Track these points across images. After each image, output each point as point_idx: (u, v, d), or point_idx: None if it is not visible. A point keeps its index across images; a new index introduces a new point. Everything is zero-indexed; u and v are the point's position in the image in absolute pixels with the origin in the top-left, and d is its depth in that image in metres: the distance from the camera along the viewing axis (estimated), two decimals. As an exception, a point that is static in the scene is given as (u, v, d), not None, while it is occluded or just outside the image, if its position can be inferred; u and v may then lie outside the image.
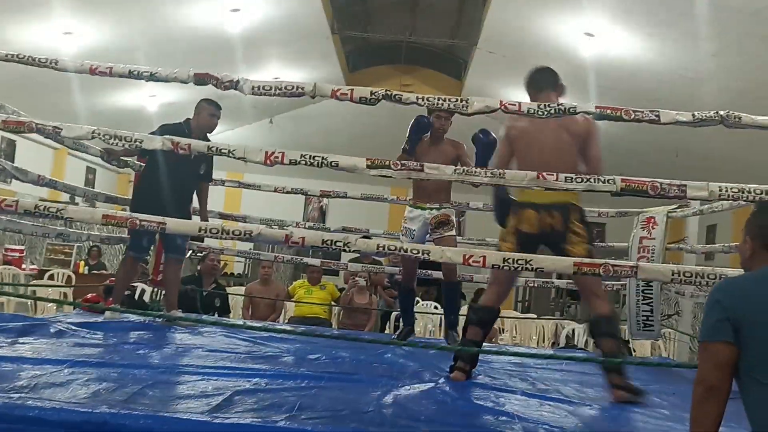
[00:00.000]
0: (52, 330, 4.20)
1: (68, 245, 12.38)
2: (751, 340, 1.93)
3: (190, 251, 6.56)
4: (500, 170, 3.41)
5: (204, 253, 6.91)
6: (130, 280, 5.37)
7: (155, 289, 6.31)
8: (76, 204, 10.05)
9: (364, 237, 5.38)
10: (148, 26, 9.93)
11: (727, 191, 3.14)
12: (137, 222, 3.36)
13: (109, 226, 4.63)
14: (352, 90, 3.45)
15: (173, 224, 3.44)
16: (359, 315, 7.17)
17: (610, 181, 3.21)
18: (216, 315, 6.75)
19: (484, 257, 3.25)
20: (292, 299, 7.56)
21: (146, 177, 5.04)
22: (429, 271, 6.13)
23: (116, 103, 12.29)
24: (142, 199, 4.88)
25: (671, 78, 9.24)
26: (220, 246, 7.64)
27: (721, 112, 3.29)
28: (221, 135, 14.04)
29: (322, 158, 3.31)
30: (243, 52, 10.55)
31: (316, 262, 7.02)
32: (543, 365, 4.55)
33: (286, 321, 7.38)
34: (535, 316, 9.57)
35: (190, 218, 4.89)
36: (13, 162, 6.29)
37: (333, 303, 7.60)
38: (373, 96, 3.40)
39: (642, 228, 5.46)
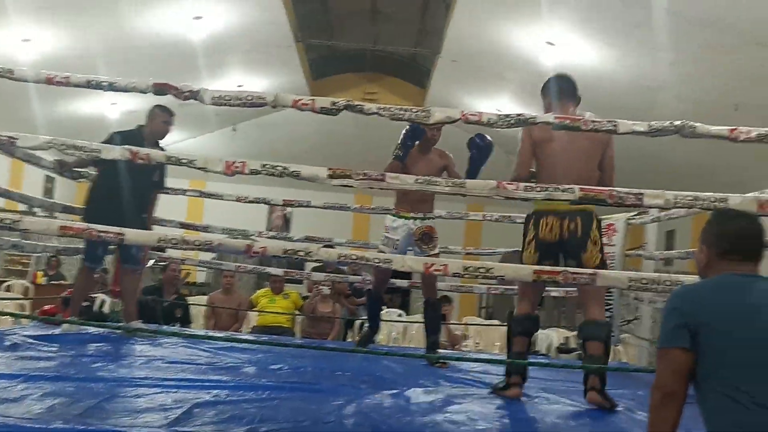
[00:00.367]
0: (6, 343, 4.12)
1: (26, 255, 12.14)
2: (708, 347, 1.97)
3: (152, 261, 6.48)
4: (461, 180, 3.45)
5: (165, 263, 6.83)
6: (87, 291, 5.28)
7: (115, 300, 6.21)
8: (34, 214, 9.87)
9: (327, 246, 5.37)
10: (109, 33, 9.80)
11: (682, 199, 3.21)
12: (95, 233, 3.31)
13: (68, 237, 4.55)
14: (314, 100, 3.45)
15: (132, 235, 3.40)
16: (323, 324, 7.15)
17: (569, 191, 3.25)
18: (178, 325, 6.67)
19: (446, 266, 3.27)
20: (255, 309, 7.51)
21: (99, 186, 4.97)
22: (393, 280, 6.12)
23: (76, 111, 12.10)
24: (96, 208, 4.78)
25: (630, 87, 9.39)
26: (182, 256, 7.56)
27: (677, 122, 3.34)
28: (184, 143, 13.93)
29: (284, 168, 3.30)
30: (206, 59, 10.46)
31: (280, 271, 6.99)
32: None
33: (249, 330, 7.32)
34: (498, 322, 9.61)
35: (145, 227, 4.82)
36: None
37: (297, 312, 7.56)
38: (335, 106, 3.40)
39: (602, 235, 5.52)
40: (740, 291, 2.05)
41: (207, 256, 8.83)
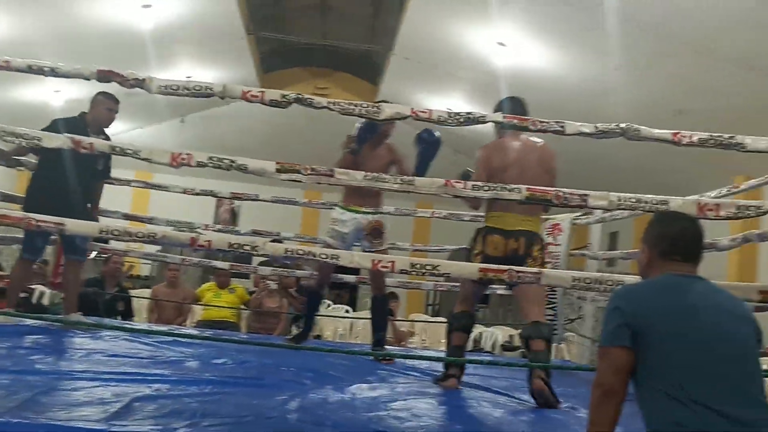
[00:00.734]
0: (-61, 335, 3.99)
1: (-38, 245, 11.77)
2: (648, 346, 2.00)
3: (94, 253, 6.34)
4: (410, 177, 3.49)
5: (108, 254, 6.69)
6: (24, 282, 5.14)
7: (54, 292, 6.07)
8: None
9: (274, 240, 5.32)
10: (56, 20, 9.53)
11: (625, 201, 3.29)
12: (33, 222, 3.22)
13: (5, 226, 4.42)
14: (263, 92, 3.42)
15: (73, 225, 3.32)
16: (269, 318, 7.09)
17: (516, 190, 3.30)
18: (119, 319, 6.54)
19: (393, 262, 3.28)
20: (200, 302, 7.41)
21: (40, 174, 4.80)
22: (341, 275, 6.10)
23: (18, 98, 11.75)
24: (36, 197, 4.62)
25: (579, 90, 9.52)
26: (125, 248, 7.41)
27: (622, 125, 3.42)
28: (132, 133, 13.58)
29: (231, 161, 3.27)
30: (154, 50, 10.26)
31: (226, 265, 6.90)
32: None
33: (194, 325, 7.22)
34: (444, 319, 9.67)
35: (89, 217, 4.70)
36: None
37: (243, 306, 7.48)
38: (285, 99, 3.38)
39: (548, 234, 5.62)
40: (680, 291, 2.09)
41: (151, 249, 8.69)
